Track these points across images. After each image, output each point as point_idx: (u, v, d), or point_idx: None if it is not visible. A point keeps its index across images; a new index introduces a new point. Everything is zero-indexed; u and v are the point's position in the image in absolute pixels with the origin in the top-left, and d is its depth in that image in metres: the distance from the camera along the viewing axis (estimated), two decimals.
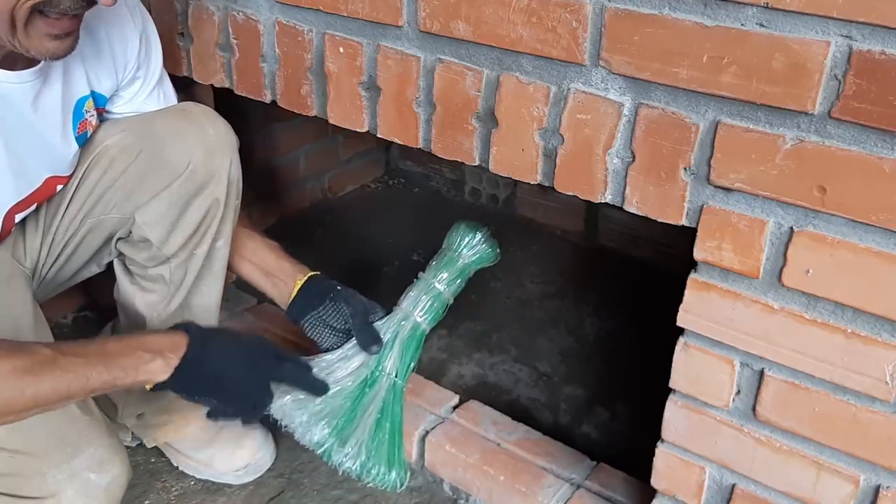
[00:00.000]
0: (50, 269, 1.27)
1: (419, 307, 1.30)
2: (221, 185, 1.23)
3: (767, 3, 0.83)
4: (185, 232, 1.23)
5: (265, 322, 1.65)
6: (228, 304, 1.63)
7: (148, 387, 1.05)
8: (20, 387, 0.91)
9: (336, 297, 1.30)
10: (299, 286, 1.32)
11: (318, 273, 1.35)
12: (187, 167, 1.19)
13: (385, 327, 1.29)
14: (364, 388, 1.26)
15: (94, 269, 1.34)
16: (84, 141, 1.19)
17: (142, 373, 1.02)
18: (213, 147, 1.21)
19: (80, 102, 1.15)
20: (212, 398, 1.11)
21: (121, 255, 1.30)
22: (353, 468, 1.23)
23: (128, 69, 1.20)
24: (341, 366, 1.27)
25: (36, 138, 1.09)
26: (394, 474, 1.25)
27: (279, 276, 1.35)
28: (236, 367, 1.13)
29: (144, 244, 1.25)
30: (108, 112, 1.23)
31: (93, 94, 1.17)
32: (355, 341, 1.28)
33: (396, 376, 1.28)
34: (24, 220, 1.19)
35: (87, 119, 1.17)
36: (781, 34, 0.84)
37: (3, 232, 1.12)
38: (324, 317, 1.31)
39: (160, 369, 1.04)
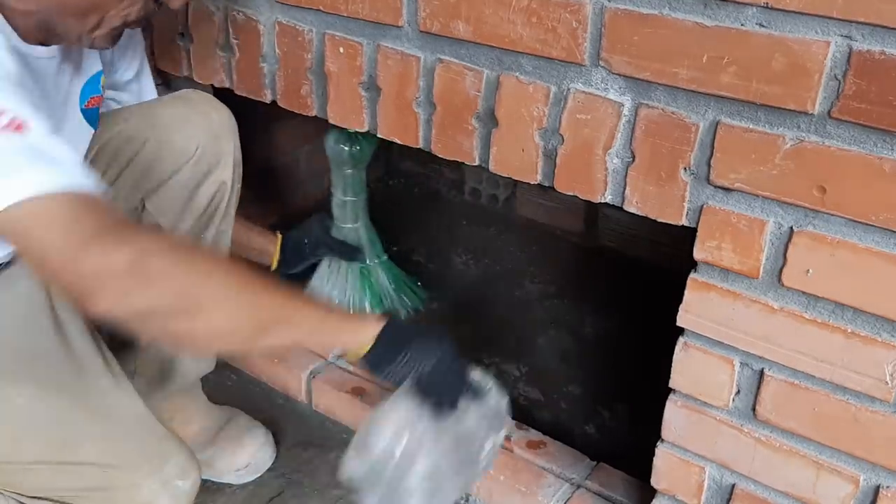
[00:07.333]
0: None
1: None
2: (228, 168, 1.24)
3: (767, 3, 0.83)
4: (194, 216, 1.24)
5: None
6: None
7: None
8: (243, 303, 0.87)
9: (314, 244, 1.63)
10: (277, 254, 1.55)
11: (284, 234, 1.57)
12: (195, 152, 1.20)
13: None
14: None
15: None
16: (95, 119, 1.17)
17: (340, 333, 0.97)
18: (217, 131, 1.23)
19: (96, 77, 1.14)
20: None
21: None
22: None
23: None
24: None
25: (59, 113, 1.08)
26: None
27: (256, 248, 1.53)
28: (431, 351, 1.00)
29: None
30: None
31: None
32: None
33: None
34: None
35: (103, 95, 1.16)
36: (781, 34, 0.84)
37: None
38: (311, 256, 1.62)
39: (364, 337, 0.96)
